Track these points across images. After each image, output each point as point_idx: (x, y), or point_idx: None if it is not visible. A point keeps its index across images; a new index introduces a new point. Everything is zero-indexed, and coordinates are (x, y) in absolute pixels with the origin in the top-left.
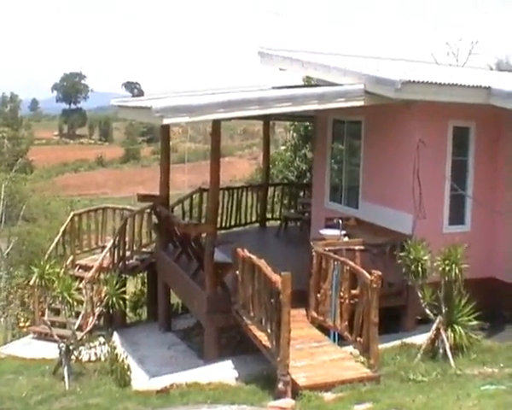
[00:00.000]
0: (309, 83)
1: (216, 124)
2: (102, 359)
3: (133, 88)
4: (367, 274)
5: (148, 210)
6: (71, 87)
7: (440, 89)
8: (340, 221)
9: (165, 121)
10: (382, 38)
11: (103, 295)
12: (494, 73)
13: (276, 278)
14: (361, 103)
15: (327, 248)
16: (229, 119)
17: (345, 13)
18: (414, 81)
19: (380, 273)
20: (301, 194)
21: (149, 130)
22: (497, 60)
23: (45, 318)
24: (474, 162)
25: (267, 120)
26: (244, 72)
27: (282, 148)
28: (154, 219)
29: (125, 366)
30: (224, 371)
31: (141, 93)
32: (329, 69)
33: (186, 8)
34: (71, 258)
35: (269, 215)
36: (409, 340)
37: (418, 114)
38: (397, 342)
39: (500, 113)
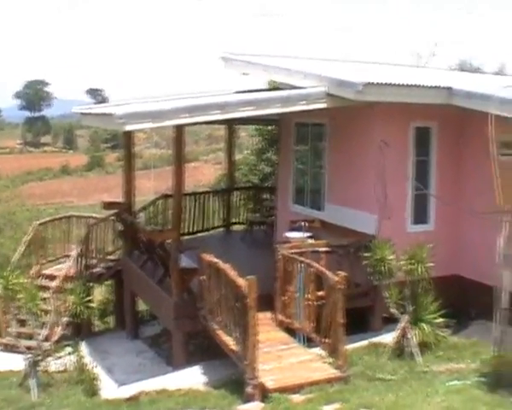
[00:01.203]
0: (273, 87)
1: (179, 129)
2: (70, 369)
3: (97, 95)
4: (332, 276)
5: (113, 217)
6: (34, 95)
7: (401, 90)
8: (305, 223)
9: (128, 128)
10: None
11: (69, 304)
12: (456, 74)
13: (241, 282)
14: (323, 106)
15: (292, 251)
16: (193, 124)
17: (319, 15)
18: (375, 83)
19: (345, 274)
20: (266, 197)
21: (113, 137)
22: (459, 60)
23: (11, 329)
24: (437, 162)
25: (231, 124)
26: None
27: (246, 152)
28: (120, 226)
29: (94, 376)
30: (192, 377)
31: (105, 100)
32: (291, 72)
33: (150, 14)
34: (36, 268)
35: (234, 220)
36: (376, 339)
37: (380, 115)
38: (364, 342)
39: (462, 112)
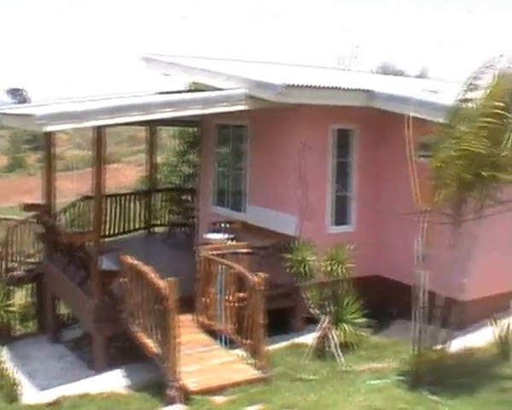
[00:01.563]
0: (195, 88)
1: (99, 130)
2: None
3: (18, 95)
4: (252, 277)
5: (34, 220)
6: None
7: (321, 92)
8: (226, 225)
9: (48, 128)
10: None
11: None
12: (378, 77)
13: (161, 284)
14: (244, 107)
15: (212, 253)
16: (114, 125)
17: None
18: (295, 85)
19: (265, 275)
20: (187, 199)
21: (34, 138)
22: (381, 63)
23: None
24: (357, 164)
25: (153, 125)
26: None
27: (168, 153)
28: (40, 228)
29: (14, 381)
30: (114, 381)
31: (26, 100)
32: (213, 74)
33: (71, 14)
34: None
35: (156, 221)
36: (298, 340)
37: (301, 117)
38: (286, 343)
39: (383, 115)
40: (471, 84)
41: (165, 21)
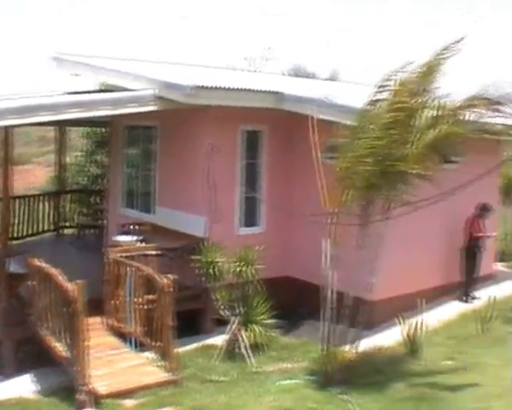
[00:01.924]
0: (105, 88)
1: (6, 131)
2: None
3: None
4: (161, 279)
5: None
6: None
7: (231, 94)
8: (135, 227)
9: None
10: (179, 43)
11: None
12: (289, 79)
13: (69, 286)
14: (153, 108)
15: (121, 255)
16: (22, 125)
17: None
18: (205, 86)
19: (174, 277)
20: (96, 200)
21: None
22: (293, 65)
23: None
24: (267, 165)
25: (62, 125)
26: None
27: (76, 154)
28: None
29: None
30: (23, 386)
31: None
32: (122, 75)
33: None
34: None
35: (65, 223)
36: (208, 341)
37: (210, 118)
38: (197, 345)
39: (292, 117)
40: (381, 85)
41: (164, 22)
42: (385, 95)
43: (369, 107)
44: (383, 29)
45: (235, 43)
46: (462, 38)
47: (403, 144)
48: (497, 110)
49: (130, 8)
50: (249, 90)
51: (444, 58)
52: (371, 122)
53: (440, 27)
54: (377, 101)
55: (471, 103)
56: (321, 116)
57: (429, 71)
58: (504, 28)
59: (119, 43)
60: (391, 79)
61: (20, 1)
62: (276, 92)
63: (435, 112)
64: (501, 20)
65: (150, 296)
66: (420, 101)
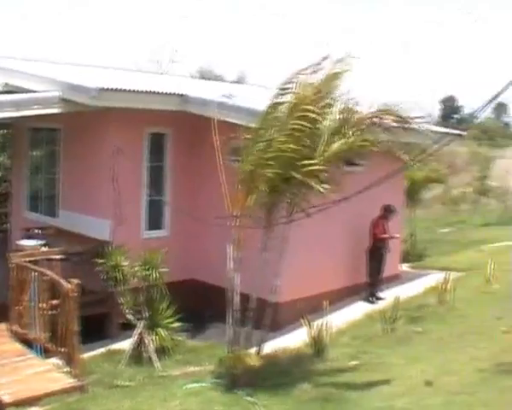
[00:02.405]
0: (8, 90)
1: None
2: None
3: None
4: (65, 283)
5: None
6: None
7: (136, 96)
8: (39, 231)
9: None
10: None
11: None
12: (195, 81)
13: None
14: (57, 111)
15: (25, 259)
16: None
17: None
18: (109, 88)
19: (78, 282)
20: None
21: None
22: (199, 68)
23: None
24: (172, 168)
25: None
26: None
27: None
28: None
29: None
30: None
31: None
32: (26, 76)
33: None
34: None
35: None
36: (114, 346)
37: (115, 121)
38: (103, 350)
39: (197, 119)
40: (282, 88)
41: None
42: (287, 98)
43: (270, 109)
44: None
45: (142, 45)
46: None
47: (308, 151)
48: (405, 125)
49: (33, 8)
50: (154, 92)
51: (347, 65)
52: (272, 125)
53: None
54: (279, 104)
55: (379, 115)
56: (225, 118)
57: (334, 76)
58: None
59: (23, 43)
60: (292, 82)
61: None
62: (181, 94)
63: (342, 120)
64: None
65: (55, 301)
66: (324, 107)
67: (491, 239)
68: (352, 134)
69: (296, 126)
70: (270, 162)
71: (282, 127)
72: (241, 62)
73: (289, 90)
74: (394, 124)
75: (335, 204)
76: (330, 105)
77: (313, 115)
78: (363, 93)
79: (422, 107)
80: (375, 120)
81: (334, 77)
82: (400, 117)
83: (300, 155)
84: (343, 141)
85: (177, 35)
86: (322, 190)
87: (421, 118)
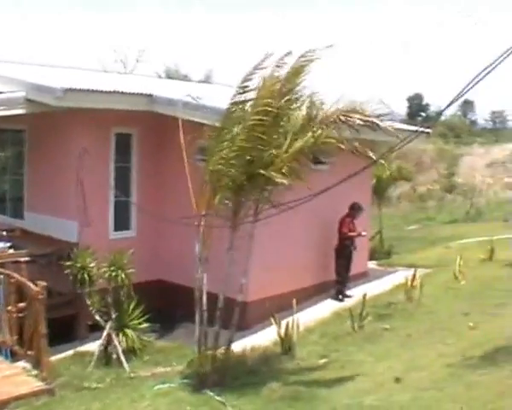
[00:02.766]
0: None
1: None
2: None
3: None
4: (32, 286)
5: None
6: None
7: (101, 96)
8: (4, 233)
9: None
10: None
11: None
12: (161, 81)
13: None
14: (22, 111)
15: None
16: None
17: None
18: (75, 89)
19: (45, 284)
20: None
21: None
22: (166, 67)
23: None
24: (138, 168)
25: None
26: None
27: None
28: None
29: None
30: None
31: None
32: None
33: None
34: None
35: None
36: (83, 348)
37: (81, 121)
38: (71, 352)
39: (163, 119)
40: (243, 86)
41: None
42: (248, 95)
43: (232, 107)
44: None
45: (107, 45)
46: (331, 45)
47: (272, 147)
48: (371, 124)
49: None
50: (120, 92)
51: (309, 61)
52: (235, 123)
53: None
54: (241, 101)
55: (346, 114)
56: (190, 118)
57: (296, 72)
58: None
59: None
60: (252, 79)
61: None
62: (147, 94)
63: (307, 116)
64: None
65: (22, 304)
66: (288, 102)
67: (458, 236)
68: (317, 131)
69: (257, 122)
70: (232, 161)
71: (244, 124)
72: (208, 61)
73: (250, 87)
74: (359, 121)
75: (302, 202)
76: (295, 100)
77: (274, 110)
78: (339, 90)
79: (387, 104)
80: (340, 117)
81: (297, 72)
82: (364, 114)
83: (264, 151)
84: (307, 137)
85: (142, 34)
86: (285, 182)
87: (385, 115)
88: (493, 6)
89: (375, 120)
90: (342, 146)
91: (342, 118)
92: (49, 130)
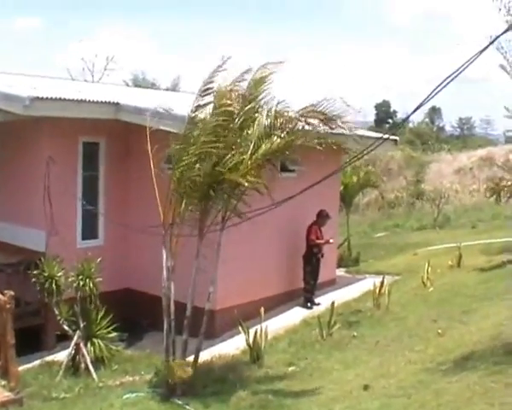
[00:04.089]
0: None
1: None
2: None
3: None
4: (0, 296)
5: None
6: None
7: (68, 105)
8: None
9: None
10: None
11: None
12: (128, 89)
13: None
14: None
15: None
16: None
17: None
18: (42, 97)
19: (12, 293)
20: None
21: None
22: (133, 75)
23: None
24: (105, 177)
25: None
26: None
27: None
28: None
29: None
30: None
31: None
32: None
33: None
34: None
35: None
36: (50, 358)
37: (48, 130)
38: (39, 361)
39: (130, 127)
40: (204, 89)
41: None
42: (209, 99)
43: (194, 111)
44: None
45: (75, 54)
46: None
47: (235, 152)
48: (330, 124)
49: None
50: (87, 101)
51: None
52: (198, 128)
53: None
54: (202, 106)
55: (305, 115)
56: (158, 126)
57: (261, 79)
58: None
59: None
60: (212, 82)
61: None
62: (114, 103)
63: (270, 121)
64: None
65: None
66: (251, 109)
67: (426, 242)
68: (279, 136)
69: (218, 123)
70: (196, 165)
71: (205, 127)
72: (175, 69)
73: (211, 90)
74: (319, 123)
75: (268, 209)
76: (258, 106)
77: (234, 110)
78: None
79: (351, 106)
80: (299, 118)
81: (260, 81)
82: (325, 116)
83: (228, 155)
84: (271, 142)
85: (110, 42)
86: (247, 185)
87: (346, 118)
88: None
89: (334, 119)
90: (306, 149)
91: (301, 119)
92: (15, 138)
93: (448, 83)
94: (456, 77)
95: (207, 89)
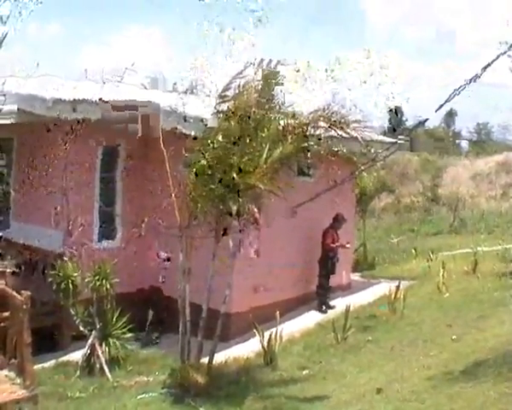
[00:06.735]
0: None
1: None
2: None
3: None
4: (16, 295)
5: None
6: None
7: (90, 107)
8: None
9: None
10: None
11: None
12: (148, 92)
13: None
14: (12, 121)
15: None
16: None
17: None
18: (64, 100)
19: (29, 293)
20: None
21: None
22: (151, 79)
23: None
24: (124, 179)
25: None
26: None
27: None
28: None
29: None
30: None
31: None
32: None
33: None
34: None
35: None
36: (66, 358)
37: (69, 132)
38: (55, 361)
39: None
40: (222, 95)
41: None
42: (227, 105)
43: (213, 117)
44: None
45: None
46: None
47: (251, 156)
48: (340, 129)
49: None
50: (108, 102)
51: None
52: (216, 132)
53: None
54: (220, 112)
55: (315, 121)
56: (175, 129)
57: (269, 83)
58: None
59: None
60: (230, 88)
61: None
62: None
63: (284, 125)
64: None
65: (6, 313)
66: (264, 112)
67: (442, 247)
68: (292, 140)
69: (234, 130)
70: (209, 171)
71: (222, 133)
72: (192, 72)
73: (228, 97)
74: (329, 129)
75: (287, 213)
76: (273, 111)
77: (252, 116)
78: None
79: (364, 113)
80: (312, 125)
81: (269, 83)
82: (335, 122)
83: (243, 161)
84: (283, 147)
85: (128, 45)
86: (263, 188)
87: (358, 123)
88: None
89: (343, 125)
90: (322, 154)
91: (312, 124)
92: (36, 139)
93: (464, 88)
94: (474, 81)
95: (225, 95)
